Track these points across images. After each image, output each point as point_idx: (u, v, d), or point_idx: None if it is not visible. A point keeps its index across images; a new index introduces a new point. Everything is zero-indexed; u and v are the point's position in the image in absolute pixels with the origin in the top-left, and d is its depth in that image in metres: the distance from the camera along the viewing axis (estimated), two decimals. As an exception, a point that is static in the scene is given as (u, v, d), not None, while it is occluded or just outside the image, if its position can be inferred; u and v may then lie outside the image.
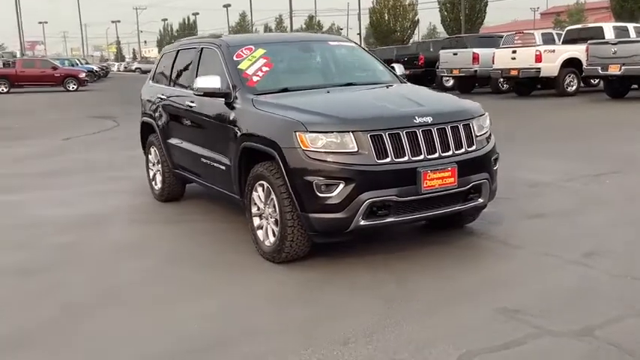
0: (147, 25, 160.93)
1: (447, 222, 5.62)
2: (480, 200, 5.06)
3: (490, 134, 5.26)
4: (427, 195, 4.66)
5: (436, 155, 4.72)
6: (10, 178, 9.35)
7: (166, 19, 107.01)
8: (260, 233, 5.10)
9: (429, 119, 4.73)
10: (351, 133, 4.54)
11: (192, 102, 6.14)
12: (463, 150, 4.86)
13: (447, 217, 5.51)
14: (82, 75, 36.61)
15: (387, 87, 5.80)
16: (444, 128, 4.78)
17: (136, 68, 76.28)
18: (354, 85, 5.81)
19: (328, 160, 4.52)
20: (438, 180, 4.66)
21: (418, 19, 57.72)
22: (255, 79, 5.59)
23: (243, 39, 6.38)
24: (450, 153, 4.78)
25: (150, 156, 7.47)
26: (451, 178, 4.72)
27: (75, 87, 35.04)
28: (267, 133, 4.85)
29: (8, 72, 36.68)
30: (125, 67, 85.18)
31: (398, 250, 5.17)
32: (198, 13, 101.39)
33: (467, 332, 3.66)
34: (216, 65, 5.88)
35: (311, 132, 4.57)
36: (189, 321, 3.97)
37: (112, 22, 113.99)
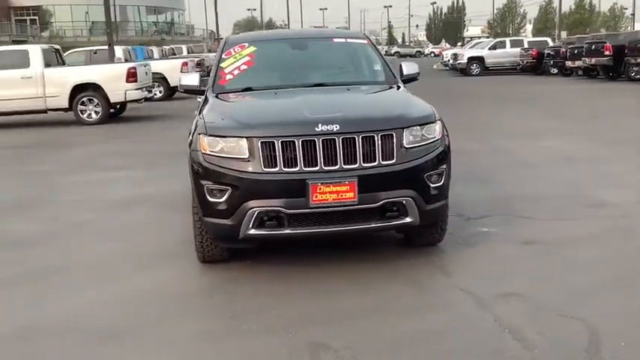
0: (417, 8, 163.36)
1: (412, 238, 5.13)
2: (408, 220, 4.51)
3: (435, 144, 4.62)
4: (318, 209, 4.34)
5: (337, 167, 4.35)
6: (139, 156, 10.56)
7: (435, 2, 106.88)
8: (200, 231, 5.19)
9: (336, 127, 4.36)
10: (245, 139, 4.42)
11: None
12: (376, 163, 4.39)
13: (406, 233, 5.06)
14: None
15: (349, 89, 5.42)
16: (354, 138, 4.37)
17: (395, 52, 78.01)
18: (324, 85, 5.53)
19: (220, 164, 4.45)
20: (332, 194, 4.30)
21: None
22: (228, 77, 5.65)
23: (244, 37, 6.43)
24: (356, 165, 4.37)
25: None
26: (350, 193, 4.32)
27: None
28: (191, 135, 4.92)
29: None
30: (386, 52, 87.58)
31: (329, 262, 4.88)
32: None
33: (245, 361, 3.44)
34: (219, 62, 6.04)
35: (210, 135, 4.54)
36: (69, 308, 4.28)
37: (385, 7, 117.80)
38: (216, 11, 51.72)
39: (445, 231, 5.04)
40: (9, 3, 65.36)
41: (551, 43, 34.68)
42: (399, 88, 5.61)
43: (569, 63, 27.32)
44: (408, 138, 4.51)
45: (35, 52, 15.48)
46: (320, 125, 4.36)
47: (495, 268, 4.69)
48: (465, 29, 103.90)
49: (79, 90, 15.41)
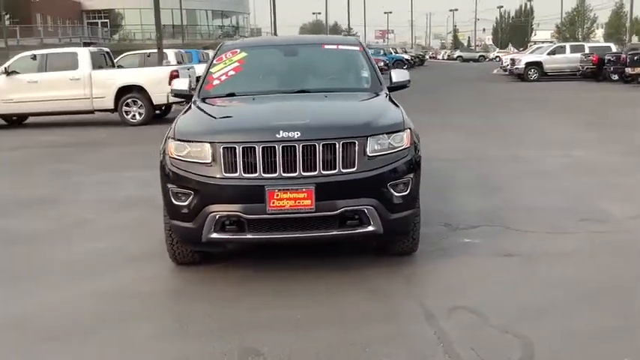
0: (484, 12, 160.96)
1: (386, 247, 5.07)
2: (370, 228, 4.46)
3: (402, 153, 4.56)
4: (275, 215, 4.35)
5: (296, 174, 4.36)
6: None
7: (502, 6, 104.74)
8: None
9: (297, 134, 4.37)
10: (208, 144, 4.48)
11: None
12: (336, 171, 4.37)
13: (378, 242, 5.00)
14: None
15: (326, 96, 5.42)
16: (314, 145, 4.36)
17: (457, 56, 76.80)
18: (306, 92, 5.53)
19: (184, 169, 4.53)
20: (289, 201, 4.31)
21: None
22: (215, 83, 5.73)
23: (238, 43, 6.49)
24: (315, 173, 4.36)
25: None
26: (307, 200, 4.31)
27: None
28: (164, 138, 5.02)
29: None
30: (448, 56, 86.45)
31: (299, 268, 4.89)
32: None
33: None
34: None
35: (177, 140, 4.63)
36: (26, 307, 4.42)
37: (450, 10, 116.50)
38: (274, 14, 52.26)
39: (418, 240, 4.97)
40: (81, 6, 68.05)
41: (614, 49, 33.40)
42: (386, 95, 5.55)
43: (628, 70, 26.27)
44: (372, 146, 4.47)
45: (84, 54, 16.07)
46: (281, 132, 4.38)
47: (462, 280, 4.60)
48: (533, 33, 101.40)
49: (124, 92, 15.89)
